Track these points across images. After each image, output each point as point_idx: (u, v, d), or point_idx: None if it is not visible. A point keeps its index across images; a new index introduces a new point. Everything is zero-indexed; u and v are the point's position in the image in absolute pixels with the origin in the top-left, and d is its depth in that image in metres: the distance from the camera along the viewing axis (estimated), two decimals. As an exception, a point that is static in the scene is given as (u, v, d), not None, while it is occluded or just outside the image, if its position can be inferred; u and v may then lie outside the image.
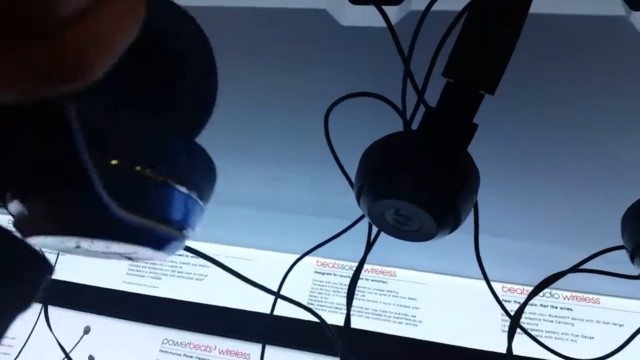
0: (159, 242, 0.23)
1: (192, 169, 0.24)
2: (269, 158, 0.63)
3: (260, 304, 0.76)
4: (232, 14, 0.44)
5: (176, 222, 0.23)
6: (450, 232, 0.41)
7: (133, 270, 0.86)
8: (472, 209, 0.41)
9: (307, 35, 0.44)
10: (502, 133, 0.49)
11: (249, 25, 0.45)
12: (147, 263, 0.87)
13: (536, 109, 0.46)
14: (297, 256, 0.58)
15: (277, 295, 0.53)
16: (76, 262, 0.84)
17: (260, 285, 0.46)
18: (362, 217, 0.51)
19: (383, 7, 0.39)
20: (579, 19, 0.37)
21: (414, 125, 0.43)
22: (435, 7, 0.36)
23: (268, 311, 0.57)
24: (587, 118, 0.46)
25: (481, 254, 0.48)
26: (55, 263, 0.80)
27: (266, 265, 0.82)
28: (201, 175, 0.25)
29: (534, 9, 0.31)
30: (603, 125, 0.47)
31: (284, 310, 0.56)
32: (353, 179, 0.42)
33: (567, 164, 0.52)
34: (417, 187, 0.36)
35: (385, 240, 0.47)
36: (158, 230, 0.22)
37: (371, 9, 0.39)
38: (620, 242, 0.41)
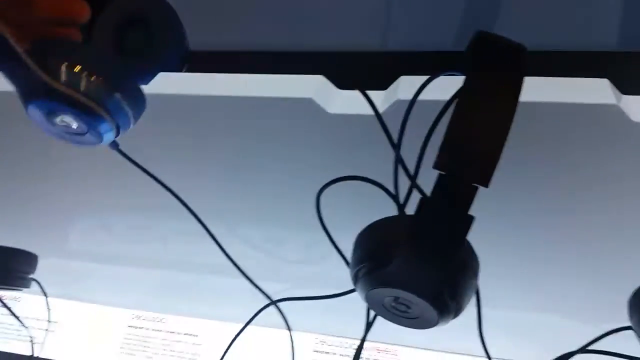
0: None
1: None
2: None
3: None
4: (223, 102, 0.45)
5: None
6: (453, 319, 0.40)
7: (125, 349, 0.84)
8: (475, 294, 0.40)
9: (295, 122, 0.44)
10: (507, 207, 0.49)
11: (239, 113, 0.45)
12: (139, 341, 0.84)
13: (537, 191, 0.46)
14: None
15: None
16: (67, 340, 0.82)
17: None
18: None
19: (369, 93, 0.39)
20: (571, 107, 0.38)
21: (407, 209, 0.43)
22: (422, 97, 0.35)
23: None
24: (588, 199, 0.46)
25: (487, 329, 0.46)
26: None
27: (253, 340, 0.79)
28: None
29: (524, 97, 0.31)
30: (604, 204, 0.46)
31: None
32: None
33: (571, 243, 0.51)
34: (416, 276, 0.35)
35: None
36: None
37: (358, 97, 0.38)
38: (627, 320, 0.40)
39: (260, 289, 0.59)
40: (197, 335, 0.81)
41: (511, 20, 0.46)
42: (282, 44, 0.47)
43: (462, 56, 0.37)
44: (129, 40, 0.40)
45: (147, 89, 0.48)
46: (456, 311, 0.39)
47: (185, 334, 0.82)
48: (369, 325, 0.52)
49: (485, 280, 0.40)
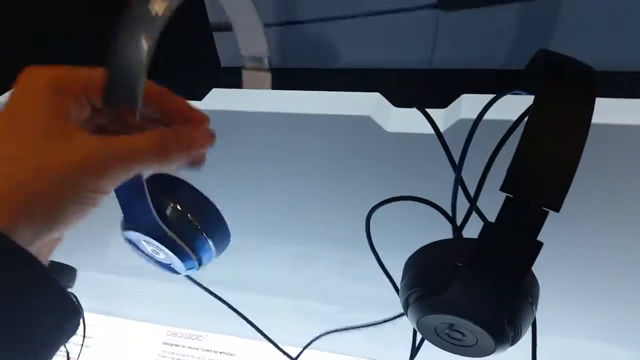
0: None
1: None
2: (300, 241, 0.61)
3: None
4: (279, 119, 0.44)
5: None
6: (510, 346, 0.38)
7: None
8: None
9: (352, 141, 0.43)
10: (570, 231, 0.47)
11: (296, 131, 0.45)
12: None
13: (601, 215, 0.44)
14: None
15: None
16: (102, 356, 0.82)
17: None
18: (401, 314, 0.48)
19: (429, 111, 0.38)
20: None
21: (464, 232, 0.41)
22: (487, 116, 0.34)
23: None
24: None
25: (541, 357, 0.44)
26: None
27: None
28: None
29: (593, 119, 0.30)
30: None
31: None
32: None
33: (630, 269, 0.49)
34: (477, 304, 0.34)
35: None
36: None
37: (415, 115, 0.37)
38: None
39: (283, 351, 0.60)
40: (234, 355, 0.80)
41: (565, 39, 0.44)
42: (339, 61, 0.46)
43: (523, 74, 0.35)
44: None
45: (202, 104, 0.48)
46: (514, 340, 0.37)
47: (221, 352, 0.81)
48: (415, 350, 0.50)
49: (541, 304, 0.38)
